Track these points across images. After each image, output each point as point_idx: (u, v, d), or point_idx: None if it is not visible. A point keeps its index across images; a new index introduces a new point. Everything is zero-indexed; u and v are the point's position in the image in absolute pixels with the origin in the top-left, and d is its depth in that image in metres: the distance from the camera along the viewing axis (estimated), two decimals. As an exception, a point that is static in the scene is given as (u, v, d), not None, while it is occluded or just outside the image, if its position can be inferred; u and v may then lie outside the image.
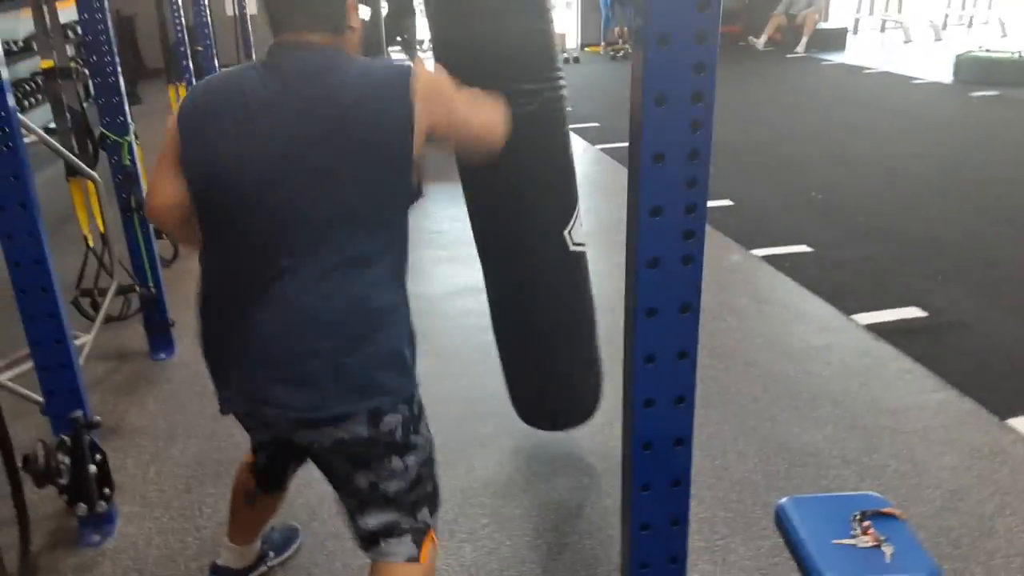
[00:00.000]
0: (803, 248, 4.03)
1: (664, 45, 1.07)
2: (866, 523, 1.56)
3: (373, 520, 1.51)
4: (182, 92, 3.97)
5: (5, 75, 1.80)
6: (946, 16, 12.49)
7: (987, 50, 8.53)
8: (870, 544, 1.51)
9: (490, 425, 2.61)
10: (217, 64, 5.20)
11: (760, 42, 10.93)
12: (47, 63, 2.50)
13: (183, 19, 4.36)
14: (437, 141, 1.44)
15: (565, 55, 10.84)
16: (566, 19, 12.81)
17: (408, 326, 1.49)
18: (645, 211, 1.17)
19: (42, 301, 1.95)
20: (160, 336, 3.11)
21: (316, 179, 1.35)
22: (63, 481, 1.98)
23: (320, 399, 1.38)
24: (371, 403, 1.41)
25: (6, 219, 1.87)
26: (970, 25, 12.70)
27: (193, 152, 1.42)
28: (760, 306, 3.50)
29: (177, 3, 4.33)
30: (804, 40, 10.72)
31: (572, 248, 2.13)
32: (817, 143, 6.21)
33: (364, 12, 1.49)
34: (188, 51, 4.24)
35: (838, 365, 2.96)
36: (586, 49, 11.64)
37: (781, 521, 1.61)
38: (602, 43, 11.26)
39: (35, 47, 2.61)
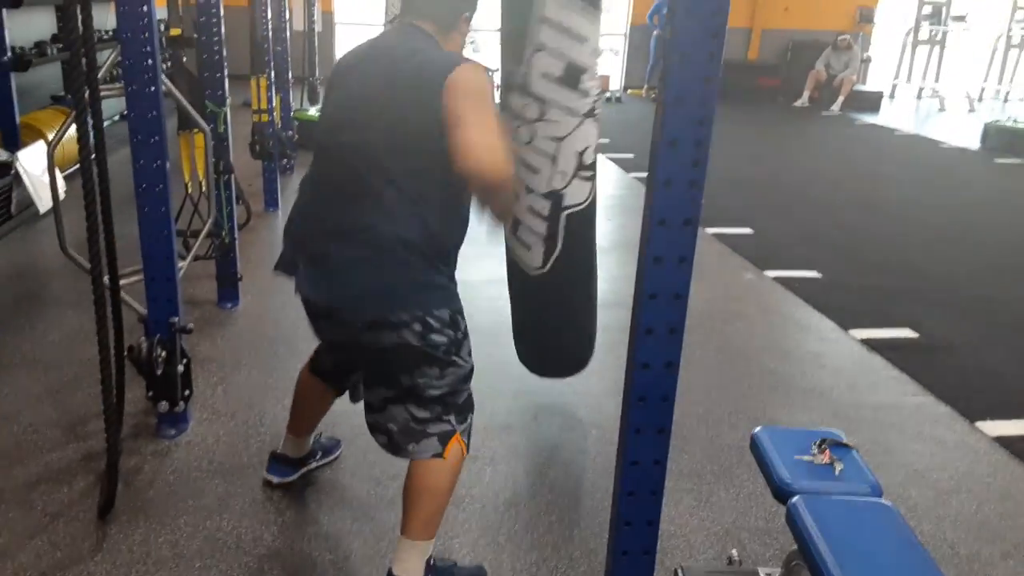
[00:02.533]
0: (813, 274, 4.36)
1: (678, 104, 1.43)
2: (824, 447, 1.88)
3: (406, 412, 1.83)
4: (263, 83, 4.44)
5: (156, 42, 2.23)
6: (982, 89, 12.82)
7: (1015, 121, 8.83)
8: (825, 462, 1.84)
9: (512, 383, 2.95)
10: (290, 65, 5.69)
11: (801, 101, 11.33)
12: (176, 31, 2.96)
13: (268, 23, 4.85)
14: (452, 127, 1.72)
15: (608, 95, 11.31)
16: (611, 63, 13.36)
17: (453, 262, 1.87)
18: (655, 221, 1.51)
19: (161, 221, 2.35)
20: (229, 288, 3.52)
21: (378, 124, 1.75)
22: (159, 371, 2.36)
23: (384, 300, 1.76)
24: (419, 311, 1.77)
25: (143, 150, 2.28)
26: (1006, 100, 13.00)
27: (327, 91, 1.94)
28: (767, 316, 3.82)
29: (265, 8, 4.82)
30: (840, 100, 11.09)
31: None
32: (842, 189, 6.54)
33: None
34: (271, 49, 4.73)
35: (830, 368, 3.28)
36: (629, 91, 12.12)
37: (755, 445, 1.94)
38: (645, 86, 11.73)
39: (168, 20, 3.05)
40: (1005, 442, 2.75)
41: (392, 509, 2.16)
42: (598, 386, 2.99)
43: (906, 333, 3.61)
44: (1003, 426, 2.84)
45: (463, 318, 1.89)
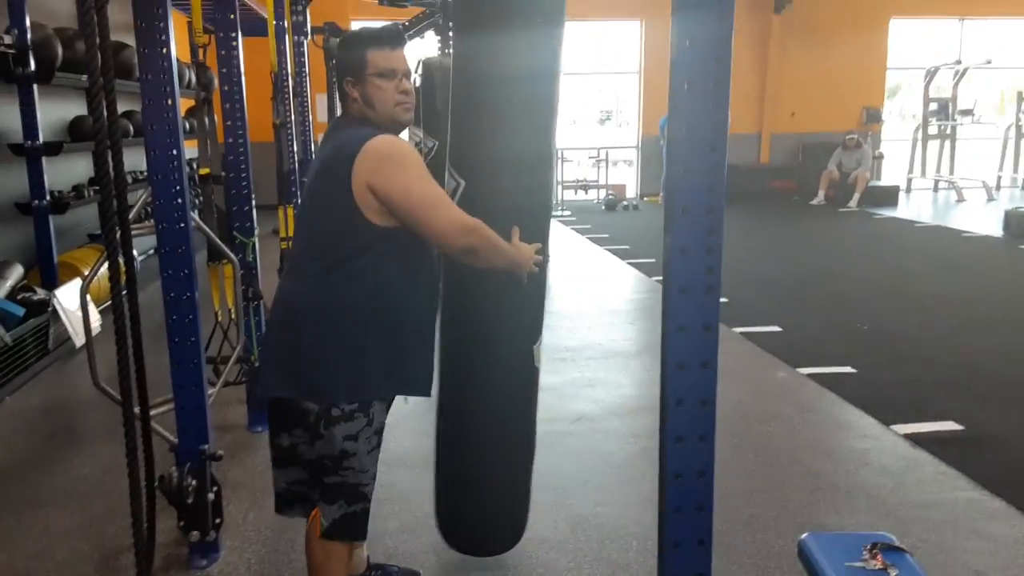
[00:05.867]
0: (848, 369, 4.28)
1: (685, 215, 1.48)
2: (876, 552, 1.80)
3: (288, 475, 2.03)
4: (291, 212, 4.60)
5: (185, 182, 2.34)
6: (999, 178, 12.90)
7: (1036, 206, 8.85)
8: (878, 567, 1.75)
9: (546, 494, 2.88)
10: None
11: (817, 199, 11.50)
12: (205, 170, 3.11)
13: (295, 156, 5.08)
14: (386, 205, 1.83)
15: (624, 204, 11.58)
16: (626, 173, 13.73)
17: (363, 340, 1.87)
18: (674, 327, 1.52)
19: (191, 351, 2.39)
20: (259, 411, 3.52)
21: (310, 203, 1.96)
22: (189, 501, 2.34)
23: (272, 377, 1.94)
24: (299, 390, 1.89)
25: (173, 283, 2.35)
26: (1023, 187, 13.06)
27: None
28: (804, 415, 3.74)
29: (292, 143, 5.05)
30: (856, 196, 11.22)
31: (535, 365, 2.27)
32: (867, 283, 6.51)
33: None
34: (297, 179, 4.93)
35: (875, 466, 3.17)
36: (645, 199, 12.37)
37: (803, 552, 1.86)
38: (661, 194, 11.96)
39: (198, 160, 3.22)
40: (1069, 537, 2.61)
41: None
42: (634, 495, 2.91)
43: (950, 426, 3.50)
44: (1065, 519, 2.70)
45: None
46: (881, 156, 12.95)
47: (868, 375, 4.20)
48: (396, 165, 1.82)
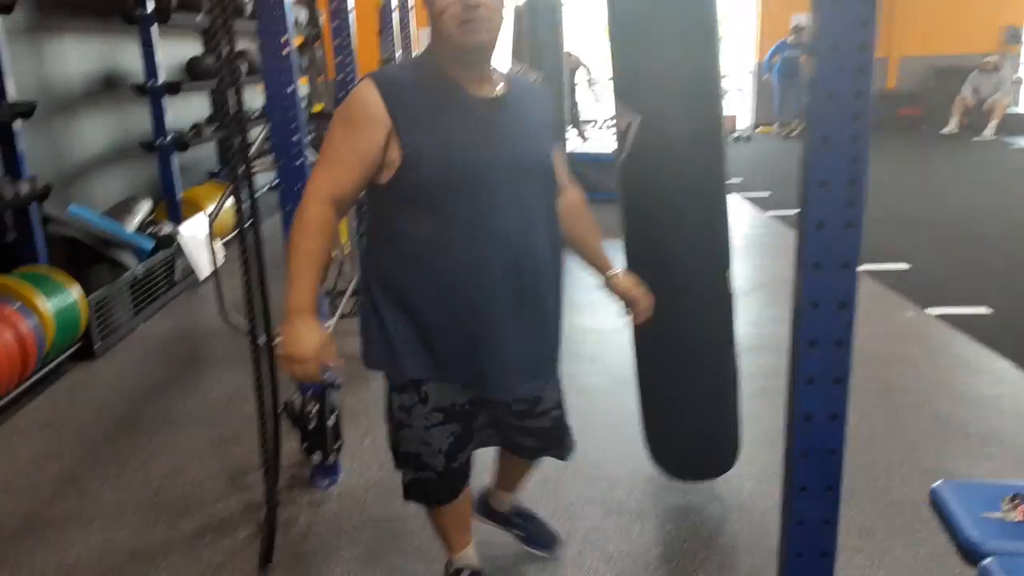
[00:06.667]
0: (982, 309, 4.01)
1: (826, 144, 1.36)
2: (1016, 503, 1.68)
3: None
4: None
5: (302, 120, 2.37)
6: None
7: None
8: (1018, 519, 1.64)
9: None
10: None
11: (949, 128, 10.69)
12: (319, 106, 3.16)
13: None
14: None
15: (736, 135, 11.11)
16: (738, 102, 13.14)
17: (389, 313, 1.73)
18: (809, 265, 1.41)
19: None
20: (372, 344, 3.62)
21: None
22: (311, 426, 2.44)
23: None
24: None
25: (291, 218, 2.40)
26: None
27: None
28: (933, 357, 3.54)
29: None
30: (993, 124, 10.36)
31: (729, 291, 2.25)
32: (1003, 218, 6.05)
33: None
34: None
35: (1011, 413, 2.97)
36: (758, 130, 11.84)
37: (936, 500, 1.76)
38: (776, 123, 11.42)
39: (310, 97, 3.26)
40: None
41: None
42: (748, 434, 2.82)
43: (1098, 372, 3.24)
44: None
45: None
46: (1021, 81, 11.86)
47: (1004, 316, 3.92)
48: (335, 114, 1.66)
